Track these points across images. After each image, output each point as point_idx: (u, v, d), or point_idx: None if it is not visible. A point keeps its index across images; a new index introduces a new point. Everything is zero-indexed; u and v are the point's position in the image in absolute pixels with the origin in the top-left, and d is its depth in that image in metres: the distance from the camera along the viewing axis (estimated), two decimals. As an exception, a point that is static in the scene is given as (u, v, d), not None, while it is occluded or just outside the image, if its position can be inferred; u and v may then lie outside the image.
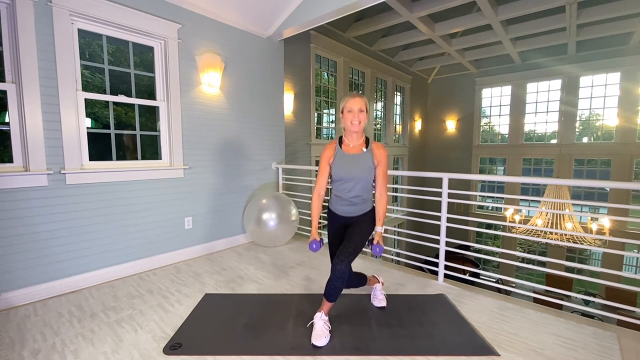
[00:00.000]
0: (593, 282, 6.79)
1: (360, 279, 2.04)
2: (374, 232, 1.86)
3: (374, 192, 1.89)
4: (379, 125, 7.92)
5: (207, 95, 3.12)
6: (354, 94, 1.76)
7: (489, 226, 7.70)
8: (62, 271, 2.30)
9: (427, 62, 8.50)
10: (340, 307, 2.03)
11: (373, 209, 1.88)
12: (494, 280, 6.05)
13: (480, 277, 3.67)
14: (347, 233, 1.82)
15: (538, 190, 7.98)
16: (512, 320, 1.94)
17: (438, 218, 2.57)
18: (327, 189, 1.93)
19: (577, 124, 7.73)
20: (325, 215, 1.97)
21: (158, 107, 2.85)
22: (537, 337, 1.75)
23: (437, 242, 2.56)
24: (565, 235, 4.79)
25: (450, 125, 9.40)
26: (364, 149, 1.79)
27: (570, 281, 5.73)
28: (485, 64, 8.55)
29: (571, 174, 7.68)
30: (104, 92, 2.55)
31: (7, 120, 2.10)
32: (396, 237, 7.78)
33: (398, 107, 8.59)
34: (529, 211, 7.30)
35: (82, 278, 2.39)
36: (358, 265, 2.86)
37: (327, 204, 1.99)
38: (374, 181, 1.84)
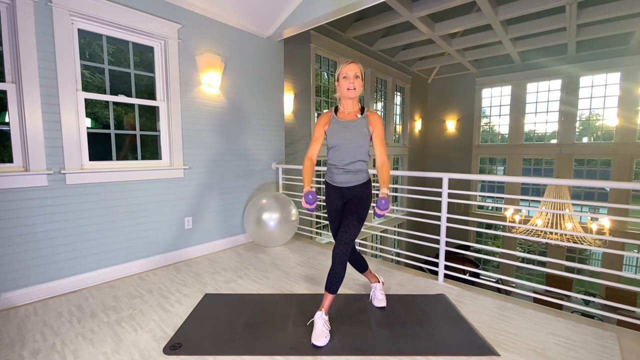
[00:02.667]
0: (593, 282, 6.79)
1: (361, 260, 2.06)
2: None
3: (372, 170, 1.87)
4: (379, 125, 7.90)
5: (207, 95, 3.12)
6: (348, 60, 1.75)
7: (489, 226, 7.70)
8: (62, 271, 2.30)
9: (427, 62, 8.50)
10: (340, 307, 2.03)
11: (369, 181, 1.86)
12: (494, 280, 6.05)
13: (480, 277, 3.67)
14: (344, 213, 1.81)
15: (538, 190, 7.99)
16: (512, 320, 1.94)
17: (438, 218, 2.57)
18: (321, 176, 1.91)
19: (577, 124, 7.74)
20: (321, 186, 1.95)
21: (158, 107, 2.85)
22: (537, 337, 1.75)
23: (437, 242, 2.56)
24: (565, 235, 4.80)
25: (450, 125, 9.40)
26: (359, 115, 1.79)
27: (570, 281, 5.73)
28: (485, 64, 8.56)
29: (571, 174, 7.68)
30: (104, 92, 2.55)
31: (7, 120, 2.10)
32: (396, 237, 7.78)
33: (398, 107, 8.59)
34: (529, 211, 7.31)
35: (82, 278, 2.39)
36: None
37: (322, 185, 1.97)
38: (374, 158, 1.81)
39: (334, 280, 1.72)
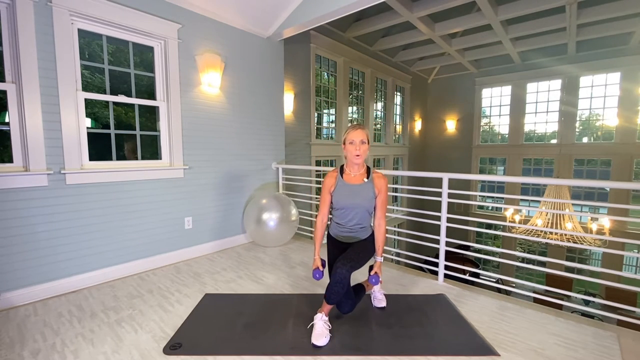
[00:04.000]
0: (593, 282, 6.79)
1: (360, 291, 2.01)
2: (373, 261, 1.89)
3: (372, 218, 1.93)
4: (379, 125, 7.92)
5: (207, 95, 3.12)
6: (355, 126, 1.80)
7: (489, 226, 7.70)
8: (62, 271, 2.30)
9: (427, 62, 8.50)
10: (340, 307, 2.03)
11: (372, 235, 1.92)
12: (494, 280, 6.05)
13: (480, 277, 3.67)
14: (348, 248, 1.84)
15: (538, 190, 7.98)
16: (512, 320, 1.94)
17: (438, 218, 2.57)
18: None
19: (577, 124, 7.74)
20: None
21: (158, 107, 2.85)
22: (537, 337, 1.75)
23: (437, 242, 2.56)
24: (565, 235, 4.79)
25: (450, 125, 9.40)
26: (365, 179, 1.83)
27: (570, 281, 5.73)
28: (485, 64, 8.55)
29: (571, 174, 7.68)
30: (104, 92, 2.55)
31: (7, 120, 2.10)
32: (396, 237, 7.78)
33: (398, 107, 8.59)
34: (529, 211, 7.30)
35: (82, 278, 2.39)
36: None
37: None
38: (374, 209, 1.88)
39: (332, 295, 1.69)
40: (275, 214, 3.19)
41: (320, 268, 1.80)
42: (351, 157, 1.79)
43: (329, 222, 2.00)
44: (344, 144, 1.81)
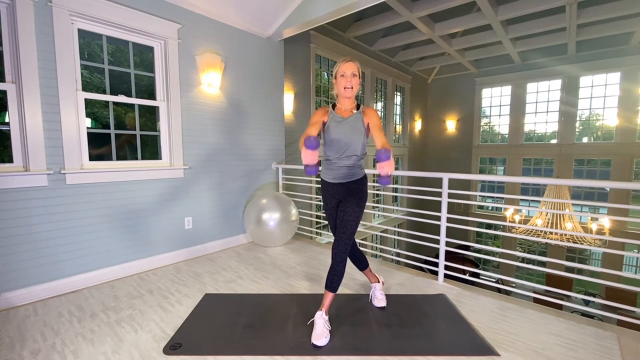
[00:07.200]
0: (593, 282, 6.79)
1: (362, 259, 2.07)
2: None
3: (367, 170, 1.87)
4: (379, 125, 7.90)
5: (207, 95, 3.12)
6: (346, 58, 1.74)
7: (489, 226, 7.70)
8: (62, 271, 2.30)
9: (427, 62, 8.50)
10: (340, 307, 2.03)
11: (365, 177, 1.86)
12: (494, 280, 6.05)
13: (480, 277, 3.66)
14: (340, 212, 1.79)
15: (538, 190, 7.99)
16: (512, 320, 1.94)
17: (438, 218, 2.57)
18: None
19: (577, 124, 7.74)
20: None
21: (158, 107, 2.85)
22: (537, 337, 1.75)
23: (437, 242, 2.56)
24: (565, 235, 4.80)
25: (450, 125, 9.40)
26: (355, 111, 1.79)
27: (570, 281, 5.73)
28: (485, 64, 8.55)
29: (571, 174, 7.68)
30: (104, 92, 2.55)
31: (7, 120, 2.10)
32: (396, 237, 7.78)
33: (398, 107, 8.59)
34: (529, 211, 7.31)
35: (82, 278, 2.39)
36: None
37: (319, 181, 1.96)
38: (374, 158, 1.80)
39: (334, 278, 1.73)
40: (275, 214, 3.19)
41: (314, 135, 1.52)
42: (342, 91, 1.74)
43: (320, 168, 1.90)
44: (335, 77, 1.76)
